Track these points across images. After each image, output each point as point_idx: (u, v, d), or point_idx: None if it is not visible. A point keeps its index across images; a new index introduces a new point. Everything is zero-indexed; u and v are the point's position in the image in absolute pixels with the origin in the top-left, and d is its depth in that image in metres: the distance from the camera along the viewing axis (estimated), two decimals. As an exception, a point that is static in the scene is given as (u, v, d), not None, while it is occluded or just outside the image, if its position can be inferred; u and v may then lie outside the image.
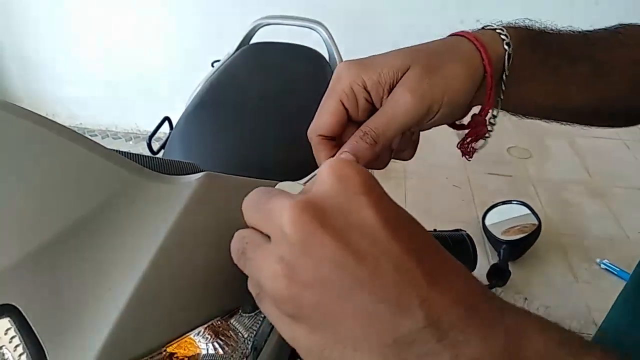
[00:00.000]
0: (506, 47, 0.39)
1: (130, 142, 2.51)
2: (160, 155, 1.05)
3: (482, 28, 0.41)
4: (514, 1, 1.95)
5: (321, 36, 1.35)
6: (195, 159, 0.46)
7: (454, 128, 0.43)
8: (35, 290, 0.25)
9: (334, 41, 1.34)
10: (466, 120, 0.43)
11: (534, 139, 1.18)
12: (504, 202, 0.91)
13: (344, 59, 1.39)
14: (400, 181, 1.02)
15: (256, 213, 0.26)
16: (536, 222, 0.86)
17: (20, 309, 0.25)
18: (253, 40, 1.39)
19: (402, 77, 0.36)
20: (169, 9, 2.21)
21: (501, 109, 0.43)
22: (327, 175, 0.24)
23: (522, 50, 0.40)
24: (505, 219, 0.89)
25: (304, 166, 0.95)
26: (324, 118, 0.37)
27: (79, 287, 0.26)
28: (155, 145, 1.08)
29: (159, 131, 1.12)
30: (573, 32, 0.44)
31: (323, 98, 0.38)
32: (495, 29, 0.40)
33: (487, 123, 0.42)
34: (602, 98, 0.44)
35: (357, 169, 0.24)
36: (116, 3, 2.23)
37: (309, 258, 0.22)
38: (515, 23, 0.42)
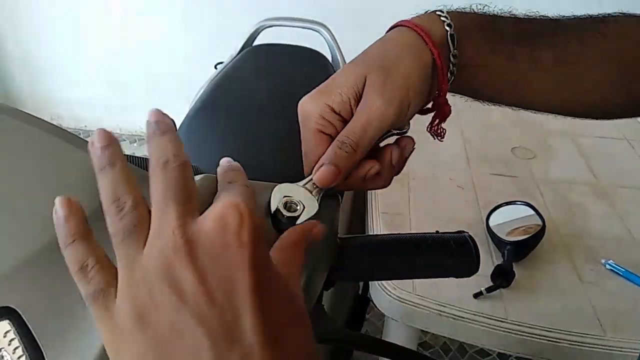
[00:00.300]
0: (447, 27, 0.39)
1: (135, 144, 2.52)
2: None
3: (425, 12, 0.41)
4: (514, 1, 1.95)
5: (324, 38, 1.35)
6: (198, 161, 0.46)
7: (420, 114, 0.43)
8: (35, 293, 0.25)
9: (336, 43, 1.34)
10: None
11: (538, 139, 1.18)
12: (508, 203, 0.91)
13: (346, 60, 1.39)
14: (404, 182, 1.02)
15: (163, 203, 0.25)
16: (540, 222, 0.86)
17: (19, 311, 0.25)
18: (256, 42, 1.39)
19: (362, 87, 0.37)
20: (173, 12, 2.22)
21: (462, 93, 0.43)
22: (217, 216, 0.24)
23: (471, 34, 0.39)
24: (510, 219, 0.88)
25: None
26: (312, 156, 0.38)
27: (78, 290, 0.27)
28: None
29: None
30: (543, 18, 0.43)
31: (302, 136, 0.38)
32: (435, 12, 0.40)
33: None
34: (568, 89, 0.43)
35: (245, 219, 0.24)
36: (120, 6, 2.24)
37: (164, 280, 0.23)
38: (464, 8, 0.42)
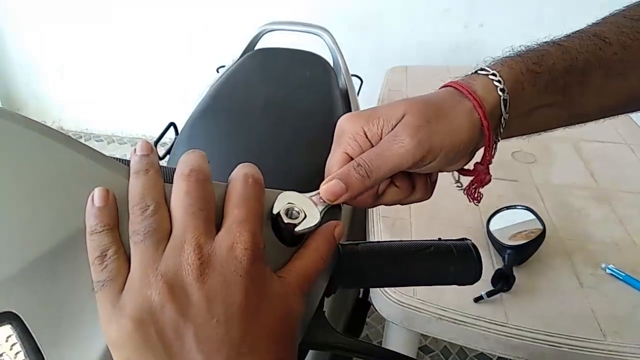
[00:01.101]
0: (500, 92, 0.38)
1: (136, 148, 2.52)
2: (165, 160, 1.06)
3: (475, 72, 0.40)
4: (516, 5, 1.96)
5: (325, 42, 1.35)
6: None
7: (460, 174, 0.43)
8: (37, 298, 0.26)
9: (338, 47, 1.35)
10: (470, 165, 0.43)
11: (539, 143, 1.18)
12: (508, 207, 0.91)
13: (348, 64, 1.40)
14: (404, 186, 1.02)
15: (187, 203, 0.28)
16: (541, 227, 0.86)
17: (21, 316, 0.25)
18: (258, 46, 1.40)
19: (397, 124, 0.37)
20: (175, 16, 2.23)
21: (509, 137, 0.42)
22: (229, 246, 0.27)
23: (523, 86, 0.39)
24: (510, 224, 0.88)
25: (307, 172, 0.95)
26: (330, 171, 0.39)
27: (81, 295, 0.27)
28: (161, 151, 1.08)
29: (164, 136, 1.13)
30: (582, 35, 0.42)
31: (331, 149, 0.39)
32: (488, 74, 0.39)
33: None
34: (621, 94, 0.42)
35: (251, 252, 0.27)
36: (122, 9, 2.25)
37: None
38: (510, 55, 0.41)
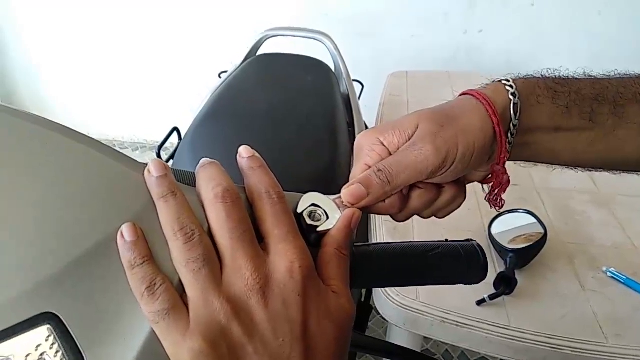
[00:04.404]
0: (511, 97, 0.39)
1: (137, 152, 2.53)
2: (169, 165, 1.07)
3: (491, 82, 0.41)
4: (515, 11, 1.97)
5: (327, 47, 1.36)
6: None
7: (480, 182, 0.43)
8: (75, 298, 0.26)
9: (339, 52, 1.36)
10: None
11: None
12: (509, 211, 0.92)
13: (349, 70, 1.40)
14: (406, 190, 1.02)
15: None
16: (542, 230, 0.87)
17: (60, 317, 0.26)
18: (259, 52, 1.41)
19: (413, 134, 0.38)
20: (177, 20, 2.24)
21: (534, 161, 0.43)
22: (286, 268, 0.29)
23: (539, 100, 0.39)
24: (511, 227, 0.89)
25: (309, 177, 0.96)
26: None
27: (116, 295, 0.27)
28: (163, 156, 1.09)
29: (167, 142, 1.13)
30: (619, 75, 0.41)
31: (353, 165, 0.40)
32: (501, 80, 0.40)
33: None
34: None
35: (308, 271, 0.29)
36: (124, 14, 2.26)
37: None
38: (532, 76, 0.41)
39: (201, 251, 0.28)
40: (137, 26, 2.27)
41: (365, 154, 0.39)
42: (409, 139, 0.38)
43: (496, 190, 0.43)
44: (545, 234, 0.86)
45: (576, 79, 0.41)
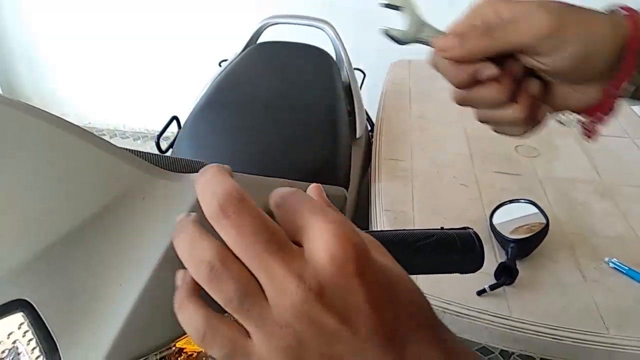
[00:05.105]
0: None
1: (138, 142, 2.53)
2: (168, 154, 1.06)
3: None
4: None
5: (328, 35, 1.35)
6: (204, 158, 0.47)
7: (577, 113, 0.39)
8: (48, 286, 0.26)
9: (340, 40, 1.34)
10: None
11: (542, 137, 1.18)
12: (511, 201, 0.91)
13: (350, 58, 1.39)
14: (407, 180, 1.02)
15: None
16: (544, 220, 0.86)
17: (33, 304, 0.26)
18: (260, 40, 1.40)
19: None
20: (177, 9, 2.22)
21: None
22: (324, 252, 0.23)
23: None
24: (513, 217, 0.88)
25: (309, 165, 0.95)
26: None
27: (91, 283, 0.27)
28: (163, 144, 1.09)
29: (167, 130, 1.13)
30: None
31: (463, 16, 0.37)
32: None
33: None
34: None
35: (353, 247, 0.23)
36: (125, 4, 2.24)
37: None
38: None
39: (231, 286, 0.23)
40: (138, 15, 2.26)
41: (479, 10, 0.36)
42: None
43: (596, 114, 0.38)
44: (547, 224, 0.85)
45: None
